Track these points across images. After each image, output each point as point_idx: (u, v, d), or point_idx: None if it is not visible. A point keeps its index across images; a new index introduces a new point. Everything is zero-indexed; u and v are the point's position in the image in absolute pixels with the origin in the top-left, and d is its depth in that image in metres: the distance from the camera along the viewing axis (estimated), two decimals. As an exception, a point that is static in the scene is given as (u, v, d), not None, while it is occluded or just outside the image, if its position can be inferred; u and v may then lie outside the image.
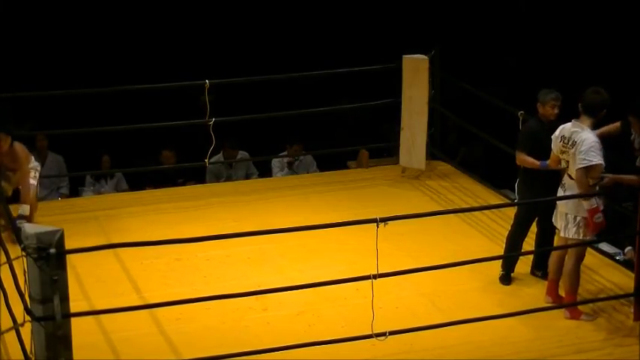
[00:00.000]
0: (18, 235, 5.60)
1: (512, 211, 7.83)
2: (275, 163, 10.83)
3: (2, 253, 6.17)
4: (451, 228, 8.55)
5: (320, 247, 8.12)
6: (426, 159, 9.88)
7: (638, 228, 6.71)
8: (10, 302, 6.03)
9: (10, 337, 6.16)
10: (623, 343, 6.82)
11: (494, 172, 10.17)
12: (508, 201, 8.97)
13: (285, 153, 10.75)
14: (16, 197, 9.17)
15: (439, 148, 10.27)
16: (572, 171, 6.92)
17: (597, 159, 6.79)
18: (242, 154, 10.70)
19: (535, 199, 7.49)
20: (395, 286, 7.13)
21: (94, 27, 12.70)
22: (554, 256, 7.31)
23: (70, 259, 5.49)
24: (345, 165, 10.80)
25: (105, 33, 12.72)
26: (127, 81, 10.48)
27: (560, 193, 7.09)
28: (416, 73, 9.72)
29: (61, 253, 5.34)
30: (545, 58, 13.24)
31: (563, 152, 7.00)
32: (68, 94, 9.98)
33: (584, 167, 6.79)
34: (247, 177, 10.72)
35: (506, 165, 8.12)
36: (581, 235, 6.97)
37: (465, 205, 9.12)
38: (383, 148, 11.14)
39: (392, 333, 6.30)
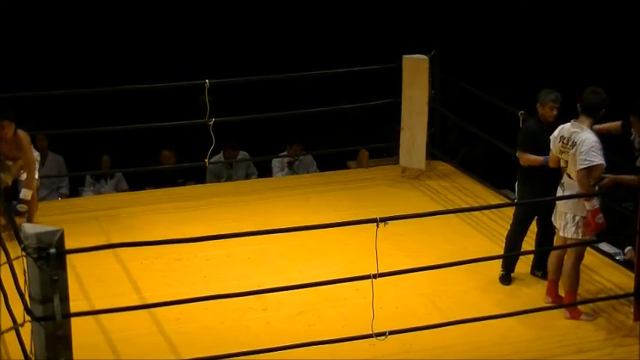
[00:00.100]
0: (17, 234, 5.61)
1: (512, 211, 7.83)
2: (275, 163, 10.83)
3: (2, 253, 6.17)
4: (451, 228, 8.55)
5: (320, 247, 8.12)
6: (426, 159, 9.88)
7: (638, 228, 6.71)
8: (10, 302, 6.04)
9: (10, 337, 6.16)
10: (623, 343, 6.83)
11: (494, 172, 10.17)
12: (508, 201, 8.97)
13: (285, 153, 10.75)
14: (15, 196, 9.19)
15: (439, 148, 10.27)
16: (572, 171, 6.92)
17: (598, 159, 6.79)
18: (242, 154, 10.70)
19: (535, 199, 7.49)
20: (395, 286, 7.13)
21: (94, 27, 12.70)
22: (553, 256, 7.31)
23: (70, 259, 5.49)
24: (345, 165, 10.80)
25: (105, 33, 12.72)
26: (127, 81, 10.48)
27: (559, 192, 7.09)
28: (416, 73, 9.72)
29: (61, 253, 5.34)
30: (545, 58, 13.24)
31: (562, 152, 7.00)
32: (68, 94, 9.98)
33: (585, 168, 6.79)
34: (247, 177, 10.72)
35: (506, 165, 8.12)
36: (580, 234, 6.97)
37: (465, 205, 9.13)
38: (383, 148, 11.14)
39: (392, 333, 6.31)
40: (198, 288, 7.46)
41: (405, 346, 6.63)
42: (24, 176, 8.34)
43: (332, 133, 12.31)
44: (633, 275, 6.91)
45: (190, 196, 9.50)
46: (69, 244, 5.43)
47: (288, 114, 10.21)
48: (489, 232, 8.52)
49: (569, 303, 7.12)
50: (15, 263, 5.88)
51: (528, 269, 7.80)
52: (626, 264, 7.94)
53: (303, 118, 10.72)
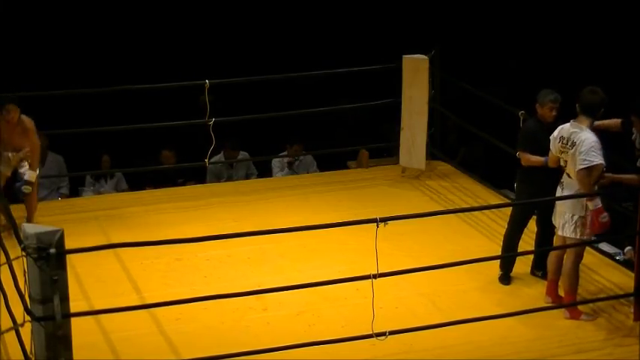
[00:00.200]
0: (17, 234, 5.61)
1: (512, 211, 7.84)
2: (275, 163, 10.83)
3: (2, 253, 6.17)
4: (451, 228, 8.55)
5: (320, 247, 8.12)
6: (426, 159, 9.88)
7: (638, 228, 6.71)
8: (10, 302, 6.04)
9: (10, 337, 6.16)
10: (623, 343, 6.83)
11: (494, 172, 10.17)
12: (508, 201, 8.97)
13: (285, 153, 10.75)
14: (17, 197, 9.19)
15: (439, 148, 10.27)
16: (571, 170, 6.93)
17: (598, 159, 6.79)
18: (242, 154, 10.70)
19: (535, 200, 7.48)
20: (395, 286, 7.13)
21: (94, 27, 12.70)
22: (552, 256, 7.31)
23: (70, 259, 5.49)
24: (345, 165, 10.80)
25: (105, 33, 12.72)
26: (127, 81, 10.48)
27: (558, 191, 7.09)
28: (416, 73, 9.72)
29: (61, 253, 5.34)
30: (545, 58, 13.24)
31: (562, 152, 7.00)
32: (68, 94, 9.98)
33: (585, 168, 6.79)
34: (247, 177, 10.72)
35: (506, 165, 8.13)
36: (579, 234, 6.97)
37: (465, 205, 9.13)
38: (383, 148, 11.14)
39: (392, 333, 6.31)
40: (198, 288, 7.46)
41: (405, 346, 6.63)
42: (24, 168, 8.34)
43: (332, 133, 12.31)
44: (633, 275, 6.91)
45: (190, 196, 9.50)
46: (69, 244, 5.43)
47: (288, 114, 10.20)
48: (489, 232, 8.52)
49: (569, 303, 7.12)
50: (15, 263, 5.88)
51: (528, 269, 7.80)
52: (626, 264, 7.94)
53: (303, 118, 10.72)
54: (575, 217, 6.94)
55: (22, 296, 5.67)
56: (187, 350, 6.52)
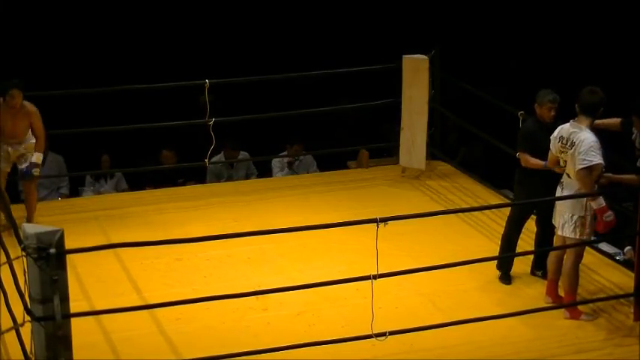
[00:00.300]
0: (17, 234, 5.62)
1: (511, 211, 7.84)
2: (275, 163, 10.83)
3: (2, 253, 6.17)
4: (451, 228, 8.55)
5: (320, 247, 8.12)
6: (426, 159, 9.88)
7: (638, 228, 6.71)
8: (10, 302, 6.04)
9: (10, 337, 6.16)
10: (623, 343, 6.83)
11: (494, 172, 10.17)
12: (508, 201, 8.97)
13: (285, 153, 10.75)
14: (17, 197, 9.19)
15: (439, 148, 10.27)
16: (571, 170, 6.93)
17: (597, 158, 6.79)
18: (242, 154, 10.70)
19: (535, 200, 7.48)
20: (395, 286, 7.13)
21: (94, 27, 12.69)
22: (552, 256, 7.31)
23: (70, 259, 5.49)
24: (345, 165, 10.80)
25: (105, 33, 12.72)
26: (127, 81, 10.48)
27: (558, 191, 7.10)
28: (416, 73, 9.72)
29: (61, 253, 5.34)
30: (545, 58, 13.24)
31: (561, 152, 7.00)
32: (68, 94, 9.98)
33: (585, 167, 6.79)
34: (247, 177, 10.72)
35: (506, 165, 8.12)
36: (579, 234, 6.97)
37: (465, 205, 9.13)
38: (383, 148, 11.14)
39: (392, 333, 6.31)
40: (198, 288, 7.46)
41: (405, 346, 6.63)
42: (25, 165, 8.34)
43: (332, 133, 12.31)
44: (633, 275, 6.91)
45: (190, 196, 9.50)
46: (69, 244, 5.43)
47: (288, 114, 10.20)
48: (489, 232, 8.52)
49: (569, 303, 7.12)
50: (15, 263, 5.88)
51: (528, 269, 7.80)
52: (626, 264, 7.94)
53: (303, 118, 10.71)
54: (575, 217, 6.94)
55: (22, 296, 5.67)
56: (187, 350, 6.52)
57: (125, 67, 12.34)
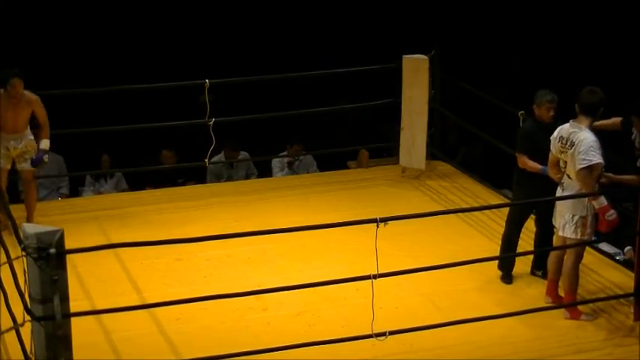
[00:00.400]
0: (17, 234, 5.62)
1: (511, 211, 7.84)
2: (275, 163, 10.83)
3: (2, 253, 6.17)
4: (451, 228, 8.55)
5: (320, 247, 8.12)
6: (426, 159, 9.88)
7: (638, 228, 6.71)
8: (10, 302, 6.04)
9: (10, 337, 6.16)
10: (623, 343, 6.83)
11: (494, 172, 10.17)
12: (508, 201, 8.97)
13: (285, 153, 10.75)
14: (17, 197, 9.19)
15: (439, 148, 10.27)
16: (571, 171, 6.93)
17: (597, 158, 6.79)
18: (242, 154, 10.69)
19: (535, 200, 7.48)
20: (395, 286, 7.14)
21: (94, 27, 12.69)
22: (552, 256, 7.31)
23: (70, 259, 5.49)
24: (345, 165, 10.80)
25: (105, 33, 12.72)
26: (127, 81, 10.48)
27: (559, 192, 7.10)
28: (416, 73, 9.72)
29: (61, 253, 5.34)
30: (545, 58, 13.24)
31: (561, 153, 7.00)
32: (68, 94, 9.98)
33: (585, 167, 6.79)
34: (247, 177, 10.72)
35: (506, 165, 8.12)
36: (579, 234, 6.97)
37: (465, 205, 9.13)
38: (383, 148, 11.14)
39: (392, 333, 6.31)
40: (198, 288, 7.46)
41: (405, 346, 6.63)
42: (26, 163, 8.34)
43: (332, 133, 12.31)
44: (633, 275, 6.91)
45: (190, 196, 9.50)
46: (69, 244, 5.43)
47: (288, 114, 10.20)
48: (489, 232, 8.52)
49: (569, 303, 7.12)
50: (15, 263, 5.88)
51: (528, 269, 7.80)
52: (626, 264, 7.94)
53: (303, 118, 10.72)
54: (576, 218, 6.94)
55: (22, 296, 5.67)
56: (187, 350, 6.52)
57: (125, 67, 12.34)
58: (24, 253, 5.38)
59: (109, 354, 6.63)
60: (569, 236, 7.02)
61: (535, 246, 7.78)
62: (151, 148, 10.97)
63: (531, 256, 7.81)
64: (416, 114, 9.79)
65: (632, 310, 6.88)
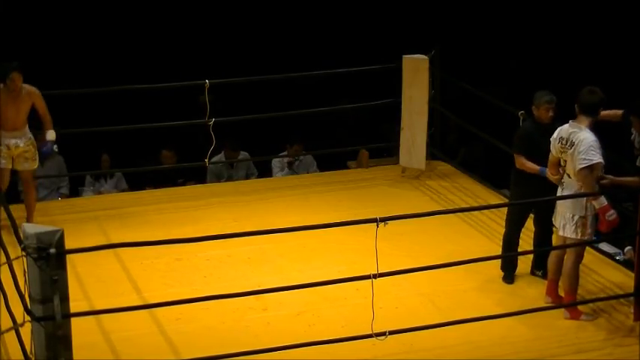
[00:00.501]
0: (17, 234, 5.62)
1: (511, 211, 7.84)
2: (275, 163, 10.83)
3: (2, 253, 6.17)
4: (451, 228, 8.55)
5: (320, 247, 8.12)
6: (426, 159, 9.88)
7: (638, 228, 6.71)
8: (10, 302, 6.04)
9: (10, 337, 6.16)
10: (623, 343, 6.83)
11: (494, 172, 10.17)
12: (508, 201, 8.97)
13: (285, 153, 10.75)
14: (17, 197, 9.19)
15: (439, 148, 10.27)
16: (571, 171, 6.93)
17: (597, 157, 6.79)
18: (242, 154, 10.70)
19: (535, 200, 7.48)
20: (395, 286, 7.14)
21: (94, 27, 12.69)
22: (553, 256, 7.31)
23: (70, 259, 5.49)
24: (345, 165, 10.80)
25: (105, 33, 12.72)
26: (127, 81, 10.48)
27: (559, 192, 7.10)
28: (416, 73, 9.72)
29: (61, 253, 5.34)
30: (546, 58, 13.24)
31: (562, 153, 7.00)
32: (68, 94, 9.98)
33: (586, 167, 6.79)
34: (247, 177, 10.72)
35: (506, 165, 8.12)
36: (580, 234, 6.97)
37: (465, 205, 9.13)
38: (383, 148, 11.14)
39: (392, 333, 6.31)
40: (198, 288, 7.46)
41: (405, 346, 6.63)
42: (27, 164, 8.34)
43: (332, 133, 12.31)
44: (633, 275, 6.91)
45: (190, 196, 9.50)
46: (69, 244, 5.43)
47: (288, 114, 10.20)
48: (489, 232, 8.53)
49: (569, 303, 7.12)
50: (15, 263, 5.88)
51: (528, 269, 7.80)
52: (626, 264, 7.94)
53: (303, 118, 10.72)
54: (576, 218, 6.94)
55: (22, 296, 5.67)
56: (187, 350, 6.52)
57: (125, 67, 12.34)
58: (24, 253, 5.38)
59: (109, 354, 6.63)
60: (569, 236, 7.02)
61: (534, 246, 7.78)
62: (150, 148, 10.97)
63: (531, 256, 7.81)
64: (416, 114, 9.79)
65: (632, 310, 6.88)
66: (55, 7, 12.47)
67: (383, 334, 6.26)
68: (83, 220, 8.83)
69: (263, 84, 11.05)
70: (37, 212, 8.57)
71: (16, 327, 5.89)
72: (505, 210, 8.03)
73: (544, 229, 7.65)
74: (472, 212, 8.81)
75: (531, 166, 7.41)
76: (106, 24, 12.73)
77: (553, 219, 7.21)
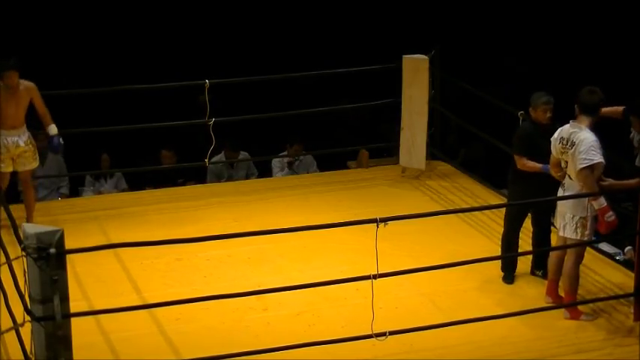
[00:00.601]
0: (17, 234, 5.62)
1: (511, 211, 7.84)
2: (275, 163, 10.83)
3: (2, 253, 6.17)
4: (451, 228, 8.55)
5: (320, 247, 8.12)
6: (426, 159, 9.88)
7: (638, 228, 6.71)
8: (10, 302, 6.04)
9: (10, 337, 6.16)
10: (623, 343, 6.83)
11: (494, 172, 10.17)
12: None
13: (285, 153, 10.75)
14: (17, 197, 9.19)
15: (439, 148, 10.27)
16: (572, 171, 6.92)
17: (598, 157, 6.79)
18: (243, 154, 10.70)
19: (535, 200, 7.47)
20: (395, 286, 7.13)
21: (94, 27, 12.70)
22: (553, 257, 7.31)
23: (70, 259, 5.49)
24: (345, 165, 10.79)
25: (105, 33, 12.72)
26: (127, 81, 10.48)
27: (559, 193, 7.09)
28: (416, 73, 9.72)
29: (61, 253, 5.34)
30: (545, 58, 13.24)
31: (562, 153, 7.00)
32: (68, 94, 9.98)
33: (587, 167, 6.79)
34: (247, 177, 10.72)
35: (507, 165, 8.12)
36: (580, 234, 6.97)
37: (465, 205, 9.12)
38: (383, 148, 11.14)
39: (392, 333, 6.30)
40: (198, 288, 7.46)
41: (405, 347, 6.62)
42: (27, 167, 8.34)
43: (332, 133, 12.31)
44: (633, 275, 6.91)
45: (190, 196, 9.50)
46: (69, 244, 5.43)
47: (288, 114, 10.20)
48: (489, 232, 8.52)
49: (569, 303, 7.12)
50: (15, 263, 5.88)
51: (528, 269, 7.80)
52: (626, 264, 7.94)
53: (303, 118, 10.72)
54: (577, 218, 6.93)
55: (22, 296, 5.67)
56: (187, 350, 6.52)
57: (125, 67, 12.34)
58: (24, 253, 5.38)
59: (109, 354, 6.63)
60: (569, 237, 7.02)
61: (533, 246, 7.78)
62: (150, 148, 10.97)
63: (530, 256, 7.81)
64: (416, 114, 9.79)
65: (632, 310, 6.87)
66: (55, 7, 12.47)
67: (383, 334, 6.26)
68: (83, 220, 8.83)
69: (263, 84, 11.05)
70: (37, 212, 8.57)
71: (16, 327, 5.89)
72: (504, 210, 8.02)
73: (542, 229, 7.66)
74: (472, 212, 8.80)
75: (533, 166, 7.40)
76: (106, 24, 12.74)
77: (554, 220, 7.20)
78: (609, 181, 6.99)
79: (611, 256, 8.17)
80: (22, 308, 5.63)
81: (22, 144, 8.30)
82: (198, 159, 9.63)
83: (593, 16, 13.20)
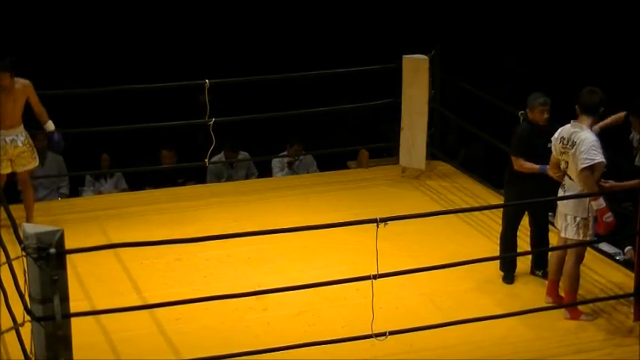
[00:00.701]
0: (17, 234, 5.62)
1: (511, 211, 7.84)
2: (275, 163, 10.83)
3: (2, 252, 6.17)
4: (451, 228, 8.55)
5: (320, 247, 8.12)
6: (426, 159, 9.88)
7: (638, 228, 6.71)
8: (10, 302, 6.04)
9: (10, 337, 6.16)
10: (623, 343, 6.83)
11: (494, 172, 10.16)
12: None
13: (285, 153, 10.75)
14: (17, 197, 9.19)
15: (439, 148, 10.27)
16: (572, 172, 6.92)
17: (599, 157, 6.79)
18: (242, 154, 10.69)
19: (535, 200, 7.47)
20: (395, 286, 7.13)
21: (94, 27, 12.70)
22: (553, 257, 7.31)
23: (70, 259, 5.49)
24: (345, 165, 10.79)
25: (104, 33, 12.72)
26: (127, 81, 10.48)
27: (560, 193, 7.09)
28: (416, 73, 9.72)
29: (61, 253, 5.34)
30: (545, 58, 13.24)
31: (562, 153, 7.00)
32: (68, 93, 9.98)
33: (587, 166, 6.78)
34: (247, 177, 10.72)
35: (506, 165, 8.12)
36: (581, 235, 6.97)
37: (465, 205, 9.13)
38: (383, 148, 11.14)
39: (392, 333, 6.30)
40: (198, 288, 7.46)
41: (405, 347, 6.63)
42: (27, 167, 8.34)
43: (332, 133, 12.31)
44: (633, 275, 6.91)
45: (190, 196, 9.50)
46: (69, 244, 5.43)
47: (288, 114, 10.20)
48: (489, 232, 8.52)
49: (569, 303, 7.12)
50: (15, 263, 5.88)
51: (528, 269, 7.80)
52: (626, 264, 7.94)
53: (303, 118, 10.72)
54: (578, 219, 6.93)
55: (22, 296, 5.67)
56: (187, 350, 6.52)
57: (125, 67, 12.34)
58: (24, 253, 5.38)
59: (109, 354, 6.63)
60: (570, 237, 7.02)
61: (531, 245, 7.78)
62: (150, 148, 10.97)
63: (530, 256, 7.81)
64: (416, 114, 9.79)
65: (632, 310, 6.88)
66: (55, 7, 12.47)
67: (383, 334, 6.26)
68: (83, 220, 8.83)
69: (263, 84, 11.05)
70: (37, 212, 8.57)
71: (16, 327, 5.89)
72: (505, 210, 8.03)
73: (540, 229, 7.66)
74: (472, 212, 8.81)
75: (530, 167, 7.40)
76: (106, 24, 12.74)
77: (554, 221, 7.21)
78: (610, 183, 7.00)
79: (611, 256, 8.17)
80: (22, 308, 5.63)
81: (20, 144, 8.29)
82: (198, 159, 9.63)
83: (593, 17, 13.20)
